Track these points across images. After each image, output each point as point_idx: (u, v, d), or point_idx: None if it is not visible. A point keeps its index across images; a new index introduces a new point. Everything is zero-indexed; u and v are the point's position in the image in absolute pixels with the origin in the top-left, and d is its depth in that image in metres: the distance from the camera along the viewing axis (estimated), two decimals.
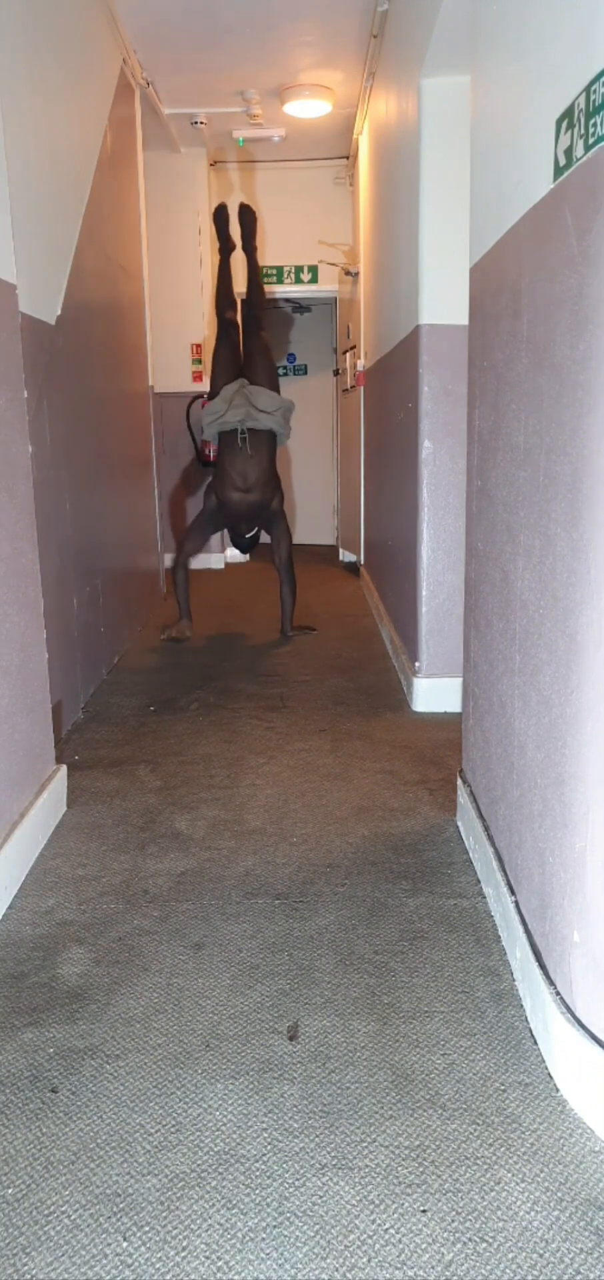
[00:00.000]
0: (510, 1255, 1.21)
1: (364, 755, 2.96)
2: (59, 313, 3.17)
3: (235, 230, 4.95)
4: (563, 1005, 1.49)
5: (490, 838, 2.06)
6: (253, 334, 4.72)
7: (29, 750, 2.35)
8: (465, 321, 2.38)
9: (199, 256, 6.47)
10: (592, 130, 1.32)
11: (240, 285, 5.16)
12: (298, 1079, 1.53)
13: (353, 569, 6.63)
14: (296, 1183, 1.33)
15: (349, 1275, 1.19)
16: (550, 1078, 1.52)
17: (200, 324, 6.54)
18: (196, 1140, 1.41)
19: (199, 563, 6.47)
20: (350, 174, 6.48)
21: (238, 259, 5.11)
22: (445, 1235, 1.24)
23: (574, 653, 1.43)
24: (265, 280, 6.72)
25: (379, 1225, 1.26)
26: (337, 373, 7.23)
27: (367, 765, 2.88)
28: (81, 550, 3.45)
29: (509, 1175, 1.34)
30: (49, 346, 3.06)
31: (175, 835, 2.43)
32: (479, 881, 2.15)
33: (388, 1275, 1.19)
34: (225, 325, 4.77)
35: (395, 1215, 1.28)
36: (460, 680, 2.72)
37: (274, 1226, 1.26)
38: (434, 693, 3.37)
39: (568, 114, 1.42)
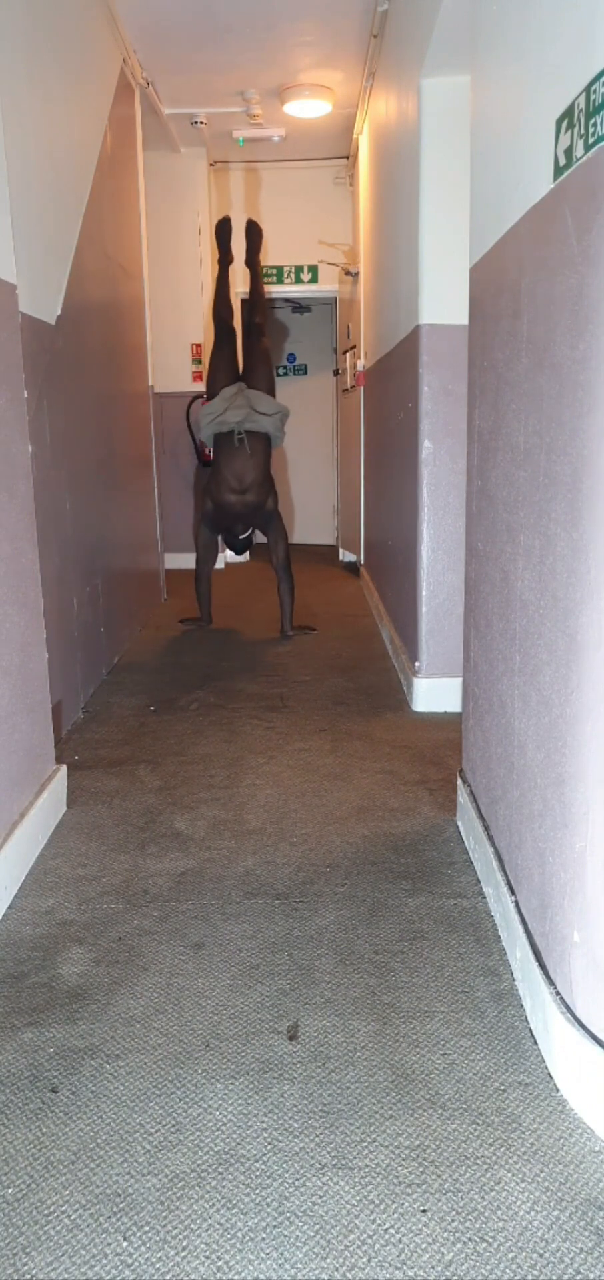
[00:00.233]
0: (510, 1255, 1.21)
1: (364, 755, 2.96)
2: (59, 313, 3.18)
3: (238, 245, 5.02)
4: (563, 1005, 1.49)
5: (490, 838, 2.06)
6: (255, 341, 4.76)
7: (29, 750, 2.35)
8: (465, 321, 2.38)
9: (199, 256, 6.47)
10: (592, 130, 1.32)
11: (239, 288, 5.18)
12: (298, 1079, 1.53)
13: (353, 569, 6.63)
14: (296, 1183, 1.33)
15: (349, 1275, 1.19)
16: (550, 1078, 1.52)
17: (200, 324, 6.54)
18: (196, 1140, 1.41)
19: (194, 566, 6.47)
20: (350, 174, 6.48)
21: (237, 261, 5.14)
22: (445, 1235, 1.24)
23: (574, 653, 1.43)
24: (265, 280, 6.73)
25: (379, 1225, 1.26)
26: (337, 373, 7.24)
27: (367, 765, 2.88)
28: (81, 550, 3.45)
29: (509, 1175, 1.34)
30: (49, 346, 3.06)
31: (175, 835, 2.43)
32: (479, 881, 2.15)
33: (388, 1275, 1.19)
34: (223, 330, 4.81)
35: (395, 1215, 1.28)
36: (460, 680, 2.72)
37: (274, 1226, 1.26)
38: (434, 693, 3.37)
39: (568, 114, 1.42)
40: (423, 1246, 1.23)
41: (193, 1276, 1.20)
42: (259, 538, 4.86)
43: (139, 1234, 1.26)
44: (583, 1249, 1.22)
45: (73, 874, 2.24)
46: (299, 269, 6.86)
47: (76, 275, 3.42)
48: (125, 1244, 1.24)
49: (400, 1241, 1.24)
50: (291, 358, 8.05)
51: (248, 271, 5.06)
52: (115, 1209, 1.30)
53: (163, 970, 1.84)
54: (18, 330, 2.33)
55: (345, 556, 6.92)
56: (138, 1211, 1.29)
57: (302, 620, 4.86)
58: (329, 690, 3.67)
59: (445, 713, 3.34)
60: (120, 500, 4.29)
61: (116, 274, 4.29)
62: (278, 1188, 1.32)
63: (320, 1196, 1.31)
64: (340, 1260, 1.21)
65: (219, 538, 4.76)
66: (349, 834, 2.41)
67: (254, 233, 5.00)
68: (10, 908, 2.09)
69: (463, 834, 2.37)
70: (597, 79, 1.30)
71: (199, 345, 6.56)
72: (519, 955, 1.74)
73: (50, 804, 2.46)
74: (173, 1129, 1.44)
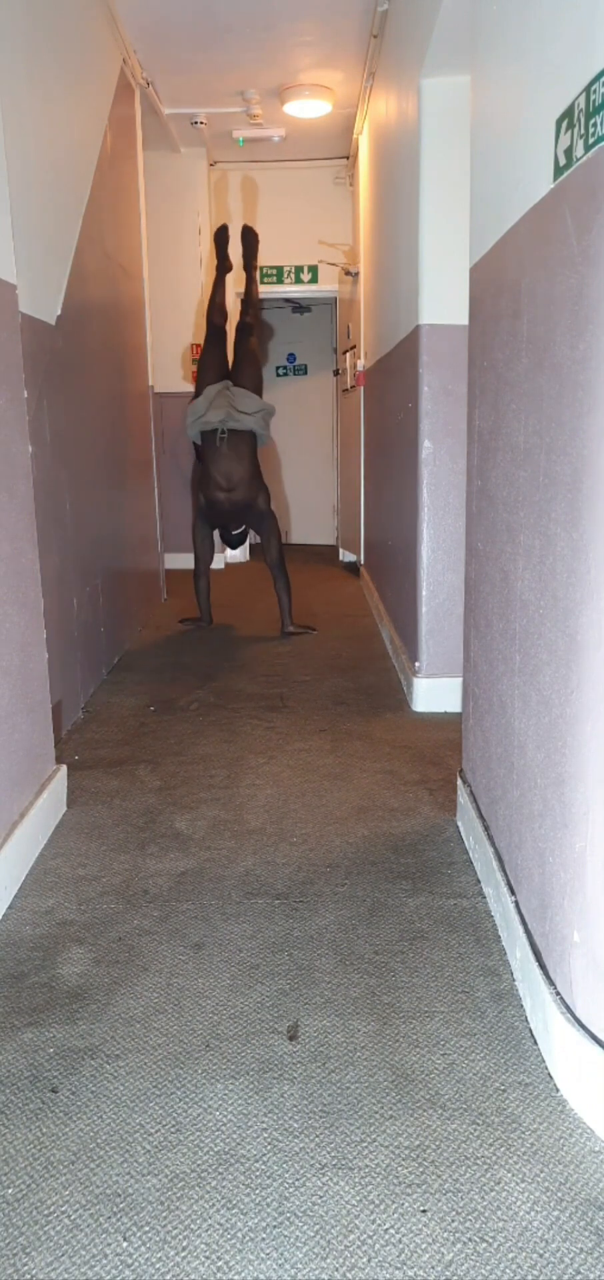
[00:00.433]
0: (510, 1255, 1.21)
1: (364, 755, 2.96)
2: (59, 313, 3.17)
3: (236, 250, 5.05)
4: (563, 1005, 1.49)
5: (490, 838, 2.06)
6: (243, 340, 4.81)
7: (29, 750, 2.35)
8: (465, 321, 2.38)
9: (199, 256, 6.47)
10: (592, 130, 1.32)
11: (238, 287, 5.19)
12: (298, 1079, 1.53)
13: (353, 569, 6.63)
14: (296, 1183, 1.33)
15: (349, 1275, 1.19)
16: (550, 1078, 1.52)
17: (200, 324, 6.54)
18: (196, 1140, 1.41)
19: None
20: (350, 174, 6.48)
21: (236, 265, 5.15)
22: (445, 1235, 1.24)
23: (574, 653, 1.43)
24: (265, 280, 6.74)
25: (379, 1225, 1.26)
26: (337, 373, 7.23)
27: (367, 765, 2.88)
28: (81, 550, 3.45)
29: (509, 1175, 1.34)
30: (49, 346, 3.06)
31: (175, 835, 2.43)
32: (479, 881, 2.15)
33: (388, 1275, 1.19)
34: (214, 331, 4.86)
35: (395, 1215, 1.28)
36: (460, 680, 2.72)
37: (274, 1226, 1.26)
38: (434, 693, 3.37)
39: (568, 114, 1.42)
40: (423, 1246, 1.23)
41: (193, 1276, 1.20)
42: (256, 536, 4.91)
43: (139, 1234, 1.26)
44: (583, 1249, 1.22)
45: (73, 874, 2.24)
46: (299, 269, 6.85)
47: (76, 275, 3.42)
48: (125, 1244, 1.24)
49: (400, 1241, 1.24)
50: (292, 358, 8.05)
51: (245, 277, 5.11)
52: (115, 1209, 1.30)
53: (163, 970, 1.84)
54: (18, 330, 2.33)
55: (345, 556, 6.92)
56: (138, 1211, 1.29)
57: (301, 620, 4.87)
58: (329, 690, 3.67)
59: (445, 713, 3.34)
60: (120, 500, 4.29)
61: (116, 274, 4.29)
62: (278, 1188, 1.32)
63: (320, 1196, 1.31)
64: (340, 1260, 1.21)
65: (215, 534, 4.80)
66: (349, 834, 2.41)
67: (250, 238, 5.04)
68: (10, 908, 2.09)
69: (463, 834, 2.37)
70: (597, 79, 1.30)
71: (199, 346, 6.55)
72: (519, 955, 1.74)
73: (50, 804, 2.46)
74: (173, 1129, 1.44)
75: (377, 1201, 1.30)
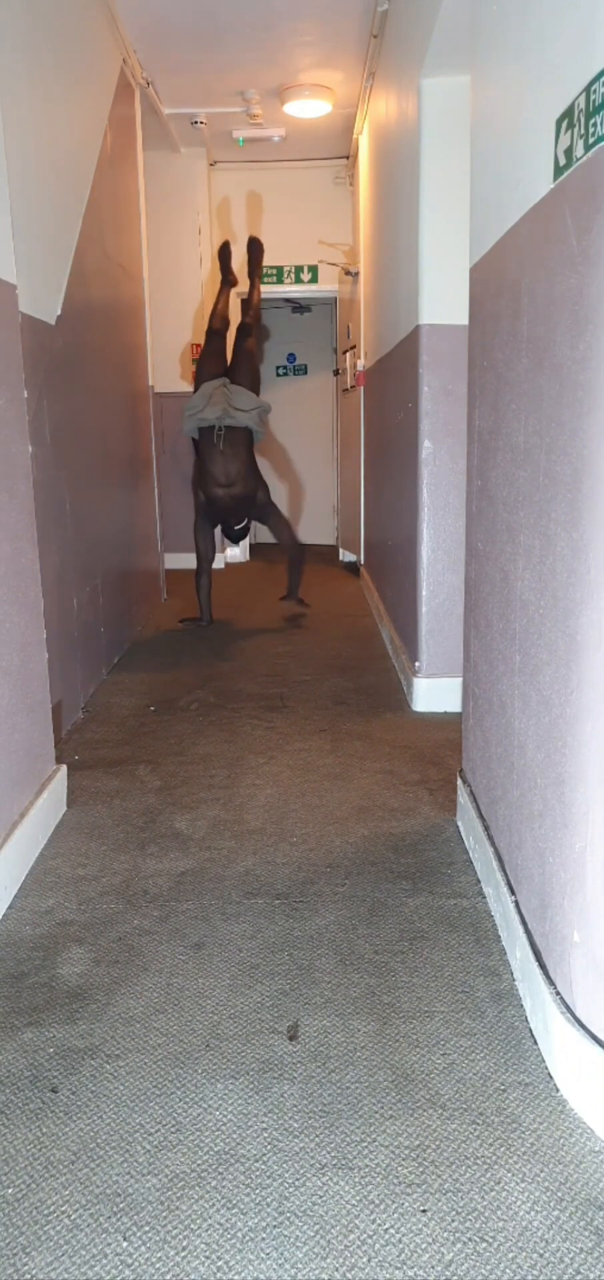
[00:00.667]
0: (510, 1255, 1.21)
1: (364, 755, 2.96)
2: (59, 313, 3.17)
3: (239, 254, 5.14)
4: (563, 1005, 1.49)
5: (490, 838, 2.06)
6: (242, 340, 4.92)
7: (29, 750, 2.35)
8: (465, 321, 2.38)
9: (199, 256, 6.47)
10: (592, 130, 1.32)
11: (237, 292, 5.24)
12: (298, 1079, 1.53)
13: (353, 569, 6.63)
14: (296, 1183, 1.33)
15: (349, 1275, 1.19)
16: (550, 1078, 1.52)
17: (200, 324, 6.53)
18: (196, 1140, 1.41)
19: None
20: (350, 174, 6.48)
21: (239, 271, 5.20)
22: (445, 1235, 1.24)
23: (574, 653, 1.43)
24: (265, 280, 6.72)
25: (379, 1225, 1.26)
26: (337, 373, 7.23)
27: (367, 765, 2.88)
28: (81, 550, 3.45)
29: (509, 1175, 1.34)
30: (49, 346, 3.06)
31: (175, 835, 2.43)
32: (479, 881, 2.15)
33: (388, 1275, 1.19)
34: (214, 335, 4.98)
35: (395, 1215, 1.28)
36: (460, 680, 2.72)
37: (274, 1226, 1.26)
38: (434, 693, 3.37)
39: (568, 114, 1.42)
40: (423, 1246, 1.23)
41: (193, 1276, 1.20)
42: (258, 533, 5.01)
43: (139, 1234, 1.26)
44: (583, 1249, 1.22)
45: (73, 874, 2.24)
46: (299, 269, 6.85)
47: (76, 275, 3.42)
48: (125, 1244, 1.24)
49: (400, 1241, 1.24)
50: (292, 358, 8.05)
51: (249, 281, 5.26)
52: (115, 1209, 1.30)
53: (163, 970, 1.84)
54: (18, 330, 2.33)
55: (345, 556, 6.92)
56: (138, 1211, 1.29)
57: (299, 611, 5.07)
58: (329, 690, 3.67)
59: (445, 713, 3.34)
60: (120, 500, 4.29)
61: (116, 274, 4.29)
62: (278, 1188, 1.32)
63: (320, 1196, 1.31)
64: (340, 1260, 1.21)
65: (216, 532, 4.92)
66: (349, 834, 2.41)
67: (255, 248, 5.17)
68: (10, 908, 2.09)
69: (463, 834, 2.37)
70: (597, 79, 1.30)
71: (199, 345, 6.55)
72: (519, 955, 1.74)
73: (50, 804, 2.46)
74: (173, 1129, 1.44)
75: (377, 1201, 1.30)
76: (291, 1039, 1.63)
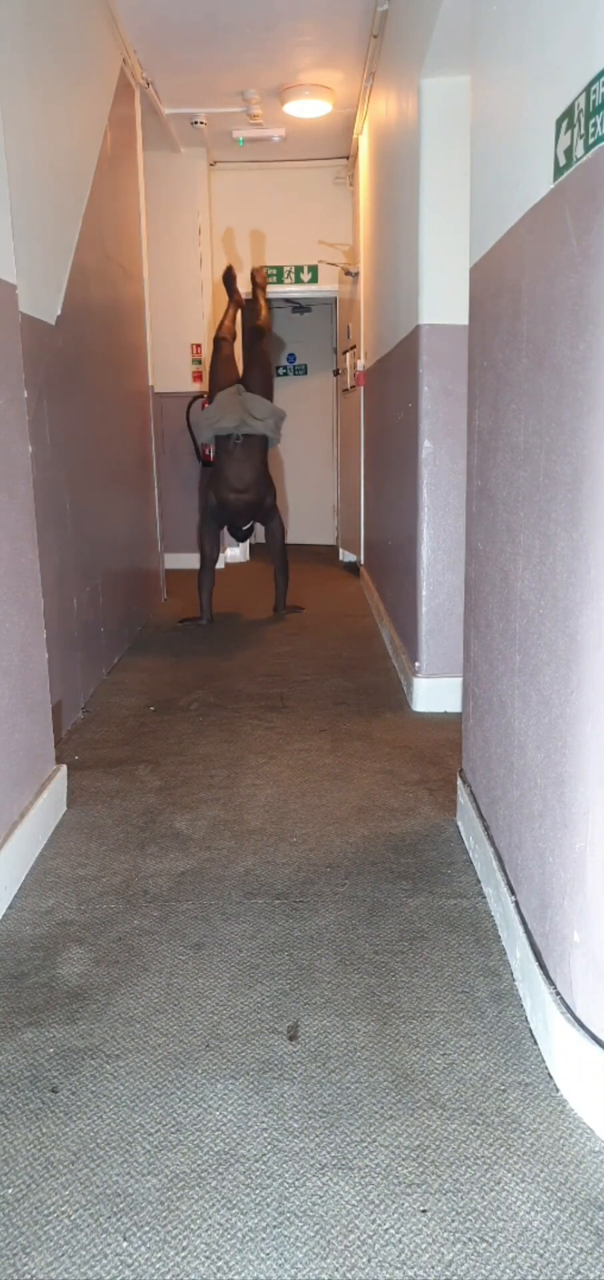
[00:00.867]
0: (510, 1255, 1.21)
1: (364, 755, 2.96)
2: (59, 313, 3.17)
3: (245, 261, 5.29)
4: (563, 1005, 1.49)
5: (490, 838, 2.06)
6: (255, 344, 5.07)
7: (29, 750, 2.35)
8: (465, 321, 2.38)
9: (199, 256, 6.47)
10: (592, 130, 1.32)
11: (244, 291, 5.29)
12: (298, 1079, 1.53)
13: (353, 569, 6.63)
14: (296, 1183, 1.33)
15: (349, 1275, 1.20)
16: (550, 1078, 1.52)
17: (200, 324, 6.54)
18: (196, 1140, 1.41)
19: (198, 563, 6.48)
20: (350, 174, 6.48)
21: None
22: (445, 1235, 1.24)
23: (574, 653, 1.43)
24: (254, 268, 6.73)
25: (379, 1225, 1.26)
26: (337, 373, 7.23)
27: (367, 765, 2.88)
28: (81, 550, 3.45)
29: (509, 1175, 1.34)
30: (49, 346, 3.06)
31: (175, 835, 2.43)
32: (479, 881, 2.15)
33: (388, 1275, 1.19)
34: (222, 342, 5.12)
35: (395, 1215, 1.28)
36: (460, 680, 2.72)
37: (274, 1226, 1.26)
38: (434, 693, 3.37)
39: (568, 114, 1.42)
40: (423, 1246, 1.23)
41: (193, 1276, 1.20)
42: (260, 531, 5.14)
43: (139, 1234, 1.26)
44: (583, 1249, 1.22)
45: (73, 874, 2.24)
46: (299, 269, 6.85)
47: (76, 275, 3.42)
48: (125, 1244, 1.24)
49: (400, 1241, 1.24)
50: (292, 358, 8.05)
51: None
52: (115, 1209, 1.30)
53: (163, 970, 1.84)
54: (18, 330, 2.33)
55: (345, 556, 6.92)
56: (138, 1211, 1.29)
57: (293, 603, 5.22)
58: (329, 690, 3.67)
59: (445, 713, 3.34)
60: (120, 500, 4.29)
61: (116, 274, 4.29)
62: (278, 1188, 1.32)
63: (320, 1196, 1.31)
64: (340, 1260, 1.21)
65: (221, 531, 5.03)
66: (349, 834, 2.41)
67: (258, 277, 5.33)
68: (10, 908, 2.09)
69: (463, 834, 2.37)
70: (597, 79, 1.30)
71: (199, 345, 6.56)
72: (519, 955, 1.74)
73: (50, 804, 2.46)
74: (173, 1129, 1.44)
75: (377, 1201, 1.30)
76: (291, 1039, 1.63)
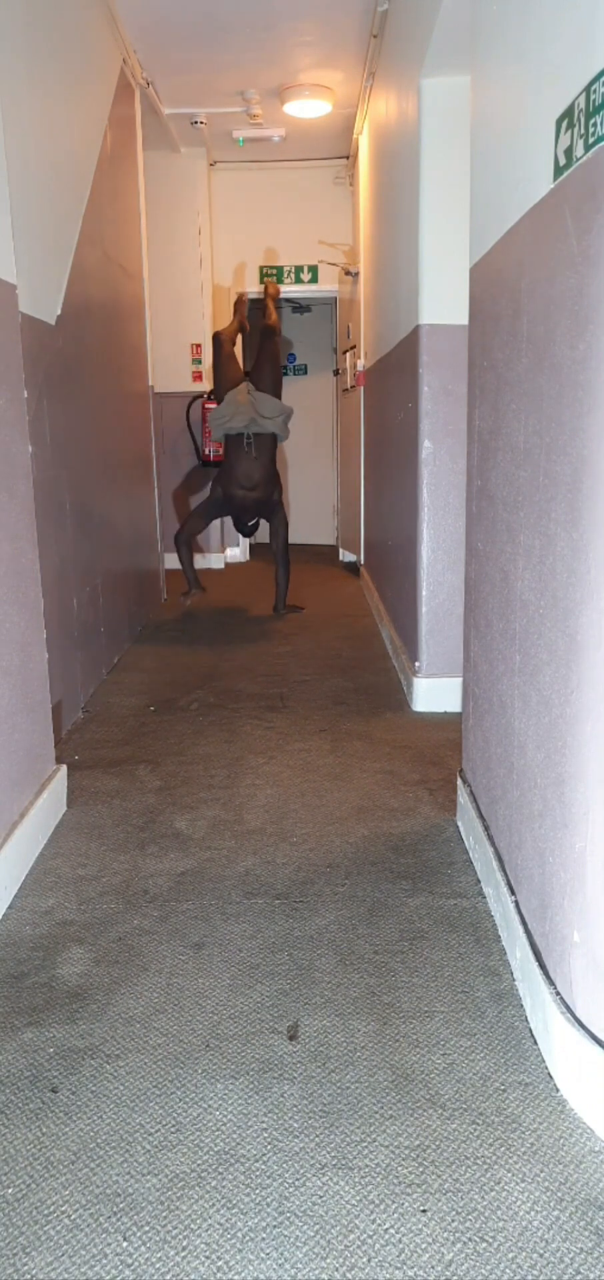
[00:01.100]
0: (510, 1255, 1.21)
1: (364, 755, 2.96)
2: (59, 313, 3.17)
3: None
4: (563, 1005, 1.49)
5: (490, 838, 2.06)
6: (267, 343, 5.18)
7: (29, 750, 2.35)
8: (465, 321, 2.38)
9: (199, 256, 6.46)
10: (592, 130, 1.32)
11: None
12: (298, 1079, 1.53)
13: (353, 569, 6.63)
14: (297, 1183, 1.33)
15: (349, 1275, 1.20)
16: (550, 1078, 1.52)
17: (200, 324, 6.53)
18: (196, 1140, 1.41)
19: (199, 563, 6.47)
20: (350, 174, 6.48)
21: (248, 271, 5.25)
22: (445, 1235, 1.24)
23: (574, 653, 1.43)
24: (265, 280, 6.73)
25: (379, 1225, 1.26)
26: (337, 373, 7.23)
27: (367, 765, 2.88)
28: (81, 550, 3.45)
29: (509, 1175, 1.34)
30: (49, 346, 3.06)
31: (175, 835, 2.43)
32: (479, 881, 2.15)
33: (388, 1275, 1.19)
34: (224, 341, 5.22)
35: (395, 1215, 1.28)
36: (460, 680, 2.72)
37: (274, 1226, 1.26)
38: (434, 693, 3.37)
39: (568, 114, 1.42)
40: (423, 1246, 1.23)
41: (193, 1276, 1.20)
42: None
43: (139, 1234, 1.26)
44: (583, 1249, 1.22)
45: (73, 874, 2.24)
46: (299, 269, 6.85)
47: (76, 275, 3.42)
48: (125, 1244, 1.24)
49: (400, 1241, 1.24)
50: (292, 358, 8.05)
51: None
52: (115, 1209, 1.30)
53: (163, 970, 1.84)
54: (18, 330, 2.33)
55: (345, 556, 6.92)
56: (138, 1211, 1.29)
57: (294, 602, 5.26)
58: (329, 690, 3.67)
59: (445, 713, 3.34)
60: (120, 500, 4.29)
61: (116, 274, 4.29)
62: (278, 1188, 1.32)
63: (320, 1196, 1.31)
64: (340, 1260, 1.21)
65: (212, 522, 5.21)
66: (349, 834, 2.41)
67: (270, 288, 5.54)
68: (10, 908, 2.09)
69: (463, 834, 2.37)
70: (597, 79, 1.30)
71: (199, 345, 6.56)
72: (519, 955, 1.74)
73: (50, 804, 2.46)
74: (173, 1129, 1.44)
75: (377, 1201, 1.30)
76: (291, 1039, 1.63)
